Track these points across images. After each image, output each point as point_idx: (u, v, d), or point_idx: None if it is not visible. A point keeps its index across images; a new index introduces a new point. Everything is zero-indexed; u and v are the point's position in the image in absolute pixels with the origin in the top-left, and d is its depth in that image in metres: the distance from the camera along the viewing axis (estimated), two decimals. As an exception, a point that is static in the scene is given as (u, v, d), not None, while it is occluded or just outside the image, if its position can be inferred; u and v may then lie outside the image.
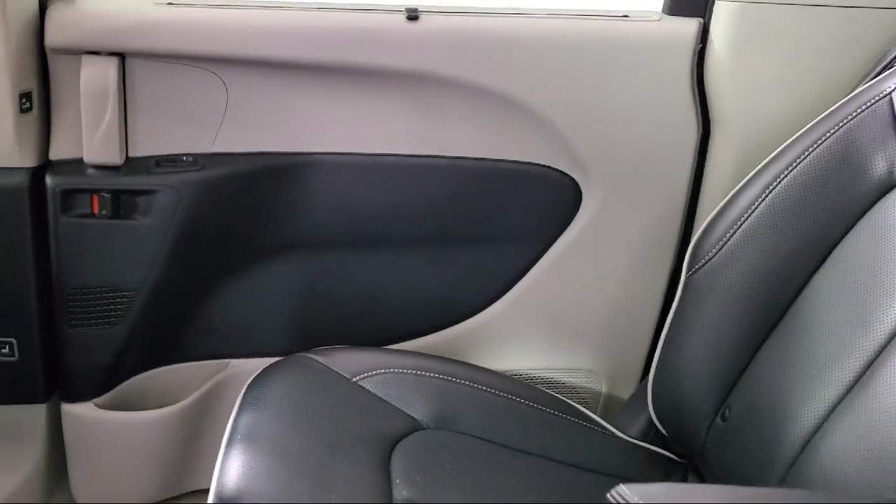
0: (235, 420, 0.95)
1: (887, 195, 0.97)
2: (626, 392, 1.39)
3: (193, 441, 1.34)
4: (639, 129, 1.26)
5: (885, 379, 0.84)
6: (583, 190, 1.30)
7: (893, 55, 1.09)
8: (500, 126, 1.25)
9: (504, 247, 1.32)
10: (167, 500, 1.38)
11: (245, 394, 1.00)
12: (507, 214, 1.30)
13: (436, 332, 1.35)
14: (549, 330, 1.36)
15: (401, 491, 0.89)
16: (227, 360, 1.33)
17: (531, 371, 1.38)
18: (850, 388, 0.88)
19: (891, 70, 1.05)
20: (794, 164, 1.03)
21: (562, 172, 1.29)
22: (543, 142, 1.26)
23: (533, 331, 1.36)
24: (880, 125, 0.99)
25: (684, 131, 1.26)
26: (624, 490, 0.59)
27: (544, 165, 1.29)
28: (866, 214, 0.98)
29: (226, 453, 0.89)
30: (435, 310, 1.33)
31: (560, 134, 1.26)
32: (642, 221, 1.30)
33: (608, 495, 0.60)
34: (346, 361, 1.08)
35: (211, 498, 0.83)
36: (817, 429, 0.88)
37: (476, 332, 1.36)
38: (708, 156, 1.28)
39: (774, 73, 1.19)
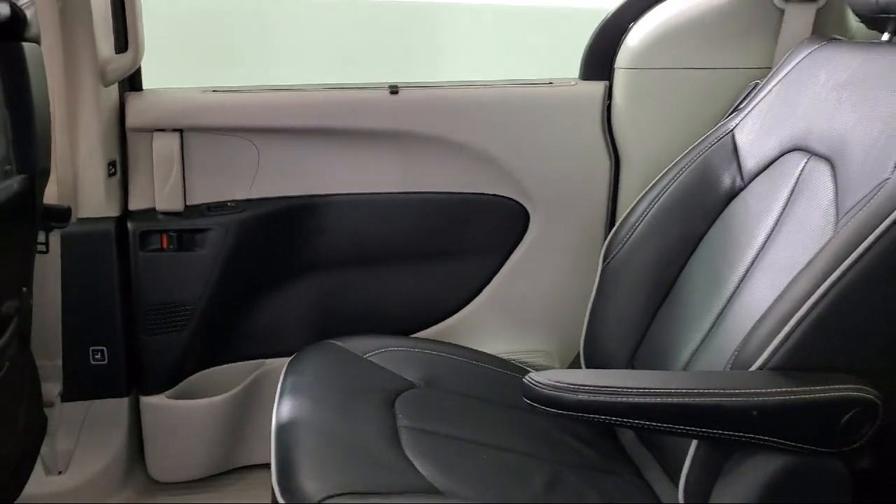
0: (283, 384, 1.33)
1: (732, 201, 1.37)
2: (574, 366, 1.78)
3: (240, 425, 1.72)
4: (568, 164, 1.68)
5: (730, 317, 1.23)
6: (530, 213, 1.71)
7: (737, 104, 1.50)
8: (464, 167, 1.66)
9: (472, 259, 1.73)
10: (223, 473, 1.75)
11: (287, 368, 1.39)
12: (474, 234, 1.70)
13: (426, 328, 1.74)
14: (511, 322, 1.75)
15: (402, 421, 1.26)
16: (263, 360, 1.71)
17: (500, 355, 1.76)
18: (711, 328, 1.27)
19: (734, 114, 1.46)
20: (671, 183, 1.44)
21: (513, 200, 1.70)
22: (498, 178, 1.68)
23: (500, 323, 1.75)
24: (726, 153, 1.40)
25: (601, 164, 1.68)
26: (533, 375, 0.98)
27: (499, 195, 1.70)
28: (720, 214, 1.39)
29: (279, 403, 1.27)
30: (423, 310, 1.73)
31: (510, 172, 1.67)
32: (576, 232, 1.70)
33: (524, 380, 0.98)
34: (357, 344, 1.46)
35: (273, 424, 1.21)
36: (691, 357, 1.28)
37: (456, 327, 1.75)
38: (619, 180, 1.69)
39: (659, 118, 1.61)
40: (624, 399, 0.95)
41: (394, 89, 1.60)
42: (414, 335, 1.74)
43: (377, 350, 1.46)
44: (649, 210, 1.45)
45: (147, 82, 1.59)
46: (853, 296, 0.98)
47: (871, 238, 0.97)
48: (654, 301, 1.42)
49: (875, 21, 1.26)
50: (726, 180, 1.39)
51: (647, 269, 1.42)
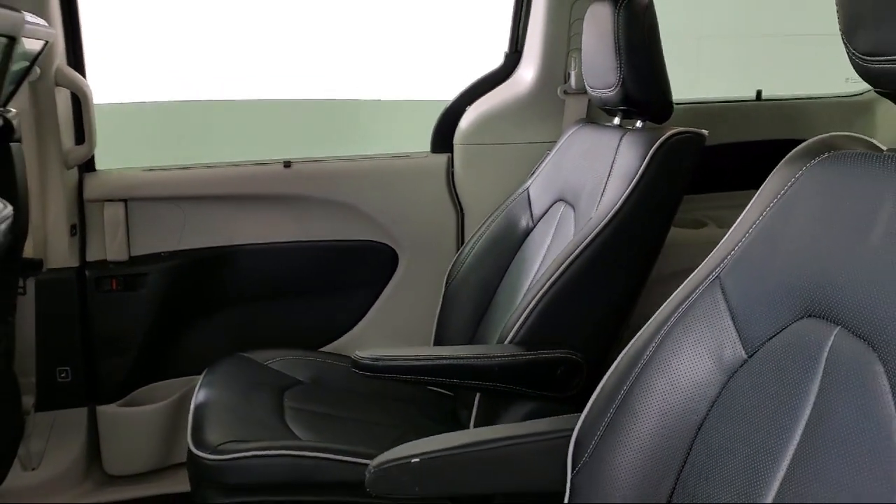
0: (201, 382, 1.82)
1: (526, 238, 1.91)
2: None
3: (177, 428, 2.18)
4: (424, 216, 2.22)
5: (511, 310, 1.75)
6: (398, 253, 2.24)
7: (535, 168, 2.04)
8: (345, 220, 2.19)
9: (356, 290, 2.25)
10: (165, 467, 2.20)
11: (206, 371, 1.87)
12: (356, 271, 2.23)
13: (322, 346, 2.24)
14: (390, 336, 2.26)
15: (288, 404, 1.76)
16: (195, 376, 2.19)
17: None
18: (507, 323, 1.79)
19: (532, 175, 2.00)
20: (489, 227, 1.97)
21: (385, 244, 2.24)
22: (372, 228, 2.21)
23: (381, 338, 2.26)
24: (523, 205, 1.95)
25: (449, 215, 2.23)
26: (359, 352, 1.50)
27: (374, 241, 2.23)
28: (519, 248, 1.92)
29: (197, 392, 1.76)
30: (319, 331, 2.23)
31: (381, 223, 2.21)
32: (433, 267, 2.21)
33: (352, 355, 1.50)
34: (259, 355, 1.95)
35: (191, 405, 1.69)
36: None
37: (347, 344, 2.25)
38: (464, 226, 2.23)
39: (487, 179, 2.16)
40: (408, 363, 1.47)
41: (287, 164, 2.13)
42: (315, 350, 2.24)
43: (275, 359, 1.96)
44: (475, 247, 1.99)
45: (98, 164, 2.10)
46: (569, 288, 1.52)
47: (577, 251, 1.52)
48: (479, 311, 1.95)
49: (609, 111, 1.84)
50: (523, 223, 1.94)
51: (474, 289, 1.96)
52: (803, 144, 1.01)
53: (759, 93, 2.42)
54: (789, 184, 0.98)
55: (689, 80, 2.69)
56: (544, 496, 1.14)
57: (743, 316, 0.99)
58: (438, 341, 2.00)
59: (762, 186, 1.03)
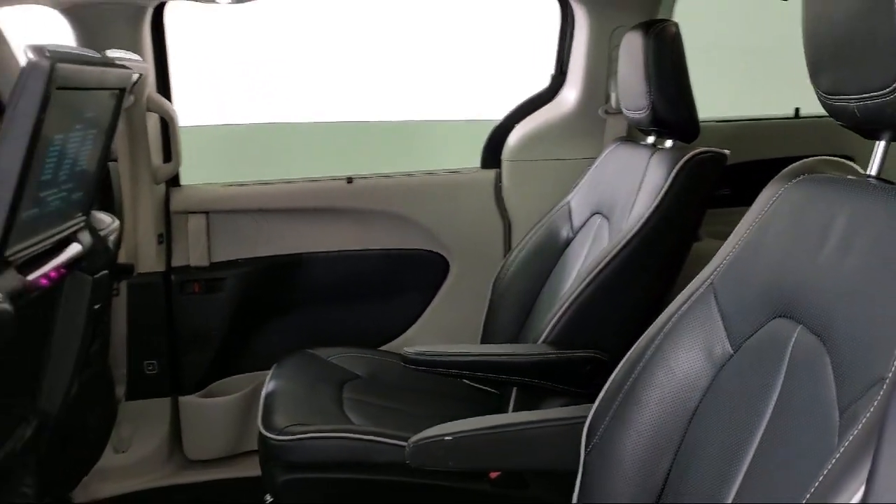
0: (271, 374, 2.03)
1: (567, 248, 2.07)
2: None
3: (250, 418, 2.41)
4: (474, 227, 2.40)
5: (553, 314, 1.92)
6: (449, 262, 2.43)
7: (576, 182, 2.20)
8: (402, 231, 2.39)
9: (410, 296, 2.44)
10: (239, 454, 2.43)
11: (275, 365, 2.09)
12: (411, 277, 2.42)
13: (381, 345, 2.44)
14: (442, 337, 2.44)
15: (346, 395, 1.96)
16: (265, 371, 2.41)
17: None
18: (542, 322, 1.95)
19: (574, 189, 2.16)
20: (532, 237, 2.14)
21: (437, 253, 2.42)
22: (426, 238, 2.40)
23: (433, 339, 2.45)
24: (564, 216, 2.11)
25: (497, 226, 2.40)
26: (407, 348, 1.68)
27: (428, 250, 2.42)
28: (560, 256, 2.08)
29: (267, 383, 1.97)
30: (375, 332, 2.43)
31: (434, 234, 2.40)
32: (481, 275, 2.39)
33: (401, 351, 1.68)
34: (323, 351, 2.16)
35: (262, 394, 1.90)
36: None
37: (402, 344, 2.44)
38: (511, 237, 2.40)
39: (532, 193, 2.33)
40: (449, 359, 1.65)
41: (349, 179, 2.35)
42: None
43: (336, 355, 2.16)
44: (519, 255, 2.15)
45: (184, 180, 2.35)
46: (597, 294, 1.68)
47: (605, 260, 1.68)
48: (522, 315, 2.11)
49: (643, 131, 1.98)
50: (563, 234, 2.10)
51: (517, 295, 2.12)
52: (788, 168, 1.17)
53: (797, 110, 2.52)
54: (771, 202, 1.13)
55: (734, 94, 2.82)
56: (560, 473, 1.30)
57: (730, 316, 1.14)
58: (484, 342, 2.17)
59: (754, 203, 1.18)
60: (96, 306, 1.08)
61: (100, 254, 1.05)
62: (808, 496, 0.80)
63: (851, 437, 0.78)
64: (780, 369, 1.01)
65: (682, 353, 1.19)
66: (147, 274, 2.27)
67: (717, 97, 2.24)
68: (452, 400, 2.07)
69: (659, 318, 1.24)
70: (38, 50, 0.74)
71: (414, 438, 1.29)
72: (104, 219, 1.15)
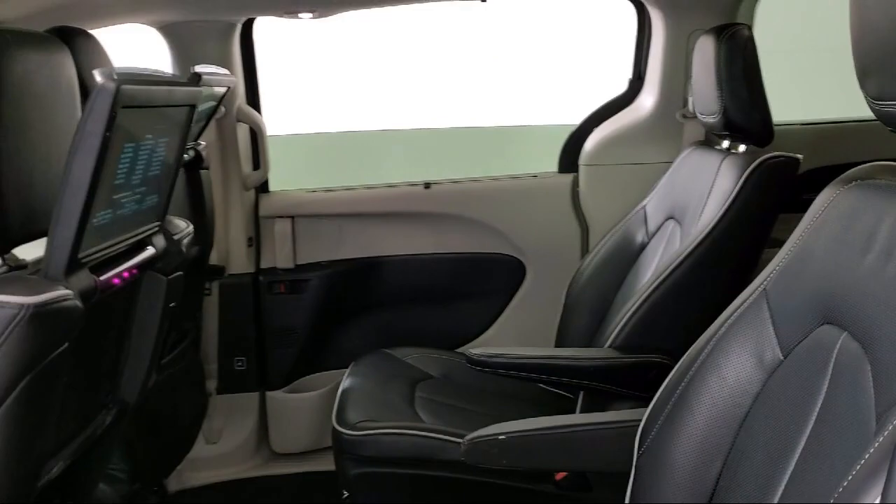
0: (348, 372, 2.11)
1: (641, 252, 2.07)
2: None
3: (329, 414, 2.50)
4: (551, 231, 2.42)
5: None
6: (525, 266, 2.46)
7: (654, 188, 2.19)
8: (479, 235, 2.44)
9: (486, 299, 2.48)
10: (322, 448, 2.53)
11: (352, 364, 2.16)
12: (485, 281, 2.46)
13: (455, 347, 2.49)
14: (517, 340, 2.47)
15: (418, 394, 2.01)
16: (345, 369, 2.50)
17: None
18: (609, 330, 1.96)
19: (650, 194, 2.15)
20: (607, 242, 2.14)
21: (514, 257, 2.46)
22: (502, 242, 2.44)
23: (509, 341, 2.48)
24: (639, 221, 2.11)
25: (574, 230, 2.42)
26: (474, 349, 1.72)
27: (504, 254, 2.46)
28: (635, 261, 2.08)
29: (344, 380, 2.05)
30: (451, 334, 2.48)
31: (510, 238, 2.44)
32: (558, 280, 2.40)
33: (467, 352, 1.73)
34: (399, 351, 2.22)
35: (339, 390, 1.98)
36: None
37: (477, 346, 2.48)
38: (588, 241, 2.41)
39: (610, 197, 2.33)
40: (514, 361, 1.69)
41: (427, 185, 2.41)
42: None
43: (412, 355, 2.22)
44: (594, 260, 2.16)
45: (271, 186, 2.47)
46: (663, 300, 1.68)
47: (672, 265, 1.68)
48: (596, 320, 2.12)
49: (719, 136, 1.96)
50: (638, 239, 2.10)
51: (591, 299, 2.13)
52: (843, 174, 1.15)
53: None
54: (823, 208, 1.12)
55: (820, 96, 2.73)
56: (615, 476, 1.32)
57: (781, 322, 1.13)
58: (558, 347, 2.19)
59: (808, 209, 1.18)
60: (171, 304, 1.17)
61: (173, 256, 1.14)
62: (833, 500, 0.80)
63: (878, 443, 0.79)
64: (824, 376, 1.01)
65: (734, 359, 1.19)
66: (237, 275, 2.40)
67: (801, 100, 2.19)
68: (524, 402, 2.10)
69: (713, 324, 1.24)
70: (105, 73, 0.82)
71: (469, 436, 1.34)
72: (179, 224, 1.25)
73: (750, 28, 1.79)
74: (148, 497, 2.22)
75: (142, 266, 1.06)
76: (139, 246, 1.08)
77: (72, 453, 1.02)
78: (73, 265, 0.87)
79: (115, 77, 0.82)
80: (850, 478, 0.79)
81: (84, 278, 0.90)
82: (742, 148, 1.85)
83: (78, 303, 0.86)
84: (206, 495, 2.42)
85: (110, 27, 2.00)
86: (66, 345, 0.86)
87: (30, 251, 0.95)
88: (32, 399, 0.83)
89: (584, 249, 2.43)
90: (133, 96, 0.86)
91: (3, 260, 0.91)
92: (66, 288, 0.85)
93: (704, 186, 1.83)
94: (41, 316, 0.80)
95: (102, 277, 0.94)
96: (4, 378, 0.79)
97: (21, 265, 0.92)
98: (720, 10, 2.18)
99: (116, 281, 0.97)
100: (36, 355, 0.81)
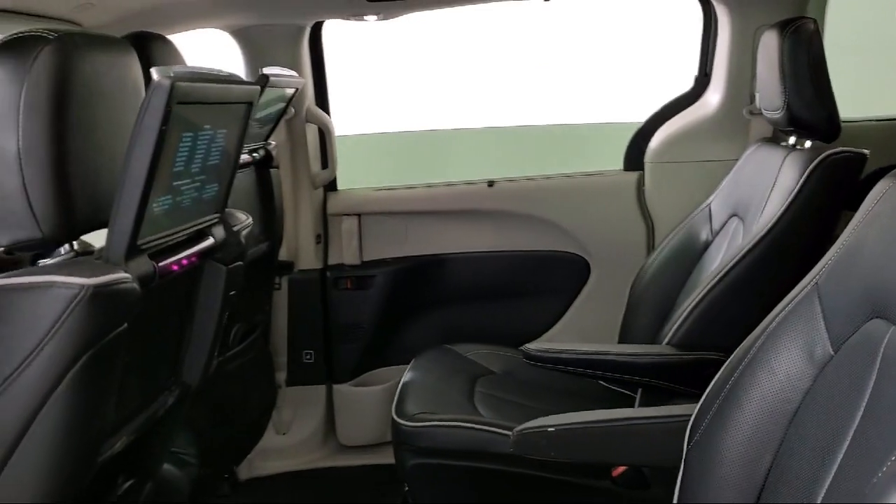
0: (410, 366, 2.15)
1: (706, 250, 2.05)
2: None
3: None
4: (616, 229, 2.41)
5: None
6: (590, 264, 2.45)
7: (720, 185, 2.16)
8: (543, 233, 2.44)
9: (549, 297, 2.49)
10: (386, 442, 2.58)
11: (415, 358, 2.20)
12: (549, 279, 2.47)
13: (518, 345, 2.50)
14: (581, 339, 2.47)
15: (478, 388, 2.04)
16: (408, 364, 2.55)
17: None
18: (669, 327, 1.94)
19: (716, 191, 2.12)
20: (672, 240, 2.12)
21: (578, 255, 2.46)
22: (567, 240, 2.44)
23: (572, 340, 2.48)
24: (704, 218, 2.08)
25: (639, 229, 2.40)
26: (529, 344, 1.74)
27: (568, 252, 2.46)
28: (699, 260, 2.06)
29: (406, 374, 2.09)
30: (514, 332, 2.49)
31: (575, 236, 2.44)
32: (624, 278, 2.39)
33: (523, 347, 1.74)
34: (461, 348, 2.25)
35: (396, 392, 2.02)
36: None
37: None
38: (654, 239, 2.39)
39: (676, 194, 2.31)
40: (569, 356, 1.69)
41: (490, 183, 2.43)
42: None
43: (474, 351, 2.25)
44: (657, 258, 2.15)
45: (339, 185, 2.54)
46: (721, 297, 1.67)
47: (731, 262, 1.66)
48: (659, 318, 2.10)
49: (784, 132, 1.93)
50: (703, 236, 2.08)
51: (655, 298, 2.11)
52: None
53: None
54: (876, 201, 1.10)
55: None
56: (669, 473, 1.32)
57: (832, 317, 1.12)
58: (622, 342, 2.18)
59: (862, 203, 1.16)
60: (231, 293, 1.23)
61: (233, 247, 1.20)
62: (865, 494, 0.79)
63: None
64: (872, 371, 0.99)
65: (784, 354, 1.18)
66: (306, 271, 2.47)
67: (874, 95, 2.12)
68: (584, 400, 2.10)
69: (765, 319, 1.23)
70: (162, 71, 0.88)
71: (519, 428, 1.35)
72: (239, 216, 1.31)
73: (815, 22, 1.75)
74: (219, 484, 2.31)
75: (201, 255, 1.12)
76: (199, 236, 1.14)
77: (133, 431, 1.09)
78: (133, 251, 0.93)
79: (171, 75, 0.88)
80: (878, 475, 0.78)
81: (143, 264, 0.96)
82: (808, 144, 1.82)
83: (136, 286, 0.92)
84: (275, 484, 2.51)
85: (186, 32, 2.10)
86: (125, 326, 0.93)
87: (97, 240, 1.02)
88: (92, 376, 0.89)
89: (650, 248, 2.41)
90: (188, 93, 0.91)
91: (72, 246, 0.98)
92: (126, 272, 0.92)
93: (767, 183, 1.80)
94: (100, 296, 0.86)
95: (161, 264, 1.00)
96: (65, 354, 0.85)
97: (88, 251, 0.99)
98: (788, 5, 2.14)
99: (175, 267, 1.03)
100: (95, 334, 0.87)
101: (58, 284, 0.85)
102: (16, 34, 0.93)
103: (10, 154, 0.89)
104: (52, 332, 0.85)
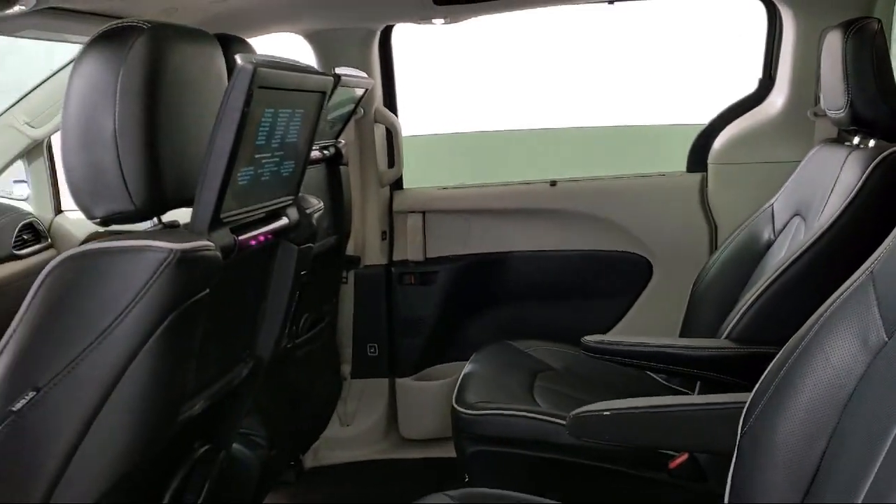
0: (472, 359, 2.20)
1: (768, 250, 2.05)
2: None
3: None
4: (679, 230, 2.43)
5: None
6: (652, 264, 2.47)
7: (784, 186, 2.15)
8: (605, 233, 2.47)
9: (611, 297, 2.51)
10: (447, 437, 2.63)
11: (476, 352, 2.25)
12: (610, 278, 2.49)
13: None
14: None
15: (538, 383, 2.08)
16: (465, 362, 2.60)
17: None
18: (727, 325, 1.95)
19: (779, 192, 2.12)
20: (734, 240, 2.13)
21: (640, 255, 2.48)
22: (629, 240, 2.47)
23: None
24: (766, 219, 2.08)
25: (702, 229, 2.41)
26: (587, 337, 1.77)
27: (630, 252, 2.48)
28: (761, 259, 2.06)
29: (467, 366, 2.14)
30: (575, 331, 2.50)
31: (638, 236, 2.46)
32: (686, 279, 2.39)
33: (581, 340, 1.78)
34: (522, 343, 2.29)
35: (458, 383, 2.07)
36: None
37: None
38: (717, 240, 2.40)
39: (739, 196, 2.31)
40: (626, 348, 1.72)
41: (553, 183, 2.48)
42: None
43: (535, 347, 2.29)
44: (719, 258, 2.16)
45: (405, 183, 2.61)
46: (780, 293, 1.68)
47: (791, 259, 1.68)
48: (721, 317, 2.11)
49: (848, 132, 1.92)
50: (765, 236, 2.08)
51: (716, 297, 2.12)
52: None
53: None
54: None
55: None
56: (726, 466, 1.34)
57: (887, 304, 1.14)
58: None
59: None
60: (302, 272, 1.31)
61: (305, 228, 1.28)
62: None
63: None
64: (923, 356, 1.01)
65: (838, 341, 1.20)
66: (372, 266, 2.55)
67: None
68: (643, 395, 2.11)
69: (820, 307, 1.25)
70: (245, 57, 0.96)
71: (575, 411, 1.39)
72: (311, 200, 1.39)
73: (880, 21, 1.75)
74: (286, 470, 2.39)
75: (276, 233, 1.20)
76: (274, 216, 1.22)
77: (210, 396, 1.17)
78: (216, 223, 1.02)
79: (254, 60, 0.96)
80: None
81: (225, 235, 1.04)
82: (871, 143, 1.81)
83: (218, 254, 1.00)
84: (339, 474, 2.58)
85: (264, 35, 2.21)
86: (207, 291, 1.01)
87: (182, 216, 1.11)
88: (176, 337, 0.97)
89: (712, 249, 2.42)
90: (267, 77, 0.99)
91: (160, 220, 1.07)
92: (209, 241, 1.00)
93: (829, 181, 1.80)
94: (187, 261, 0.95)
95: (241, 237, 1.08)
96: (153, 314, 0.94)
97: (174, 224, 1.08)
98: (854, 6, 2.13)
99: (253, 242, 1.11)
100: (180, 295, 0.96)
101: (152, 248, 0.94)
102: (113, 24, 1.03)
103: (107, 133, 0.99)
104: (144, 292, 0.93)
